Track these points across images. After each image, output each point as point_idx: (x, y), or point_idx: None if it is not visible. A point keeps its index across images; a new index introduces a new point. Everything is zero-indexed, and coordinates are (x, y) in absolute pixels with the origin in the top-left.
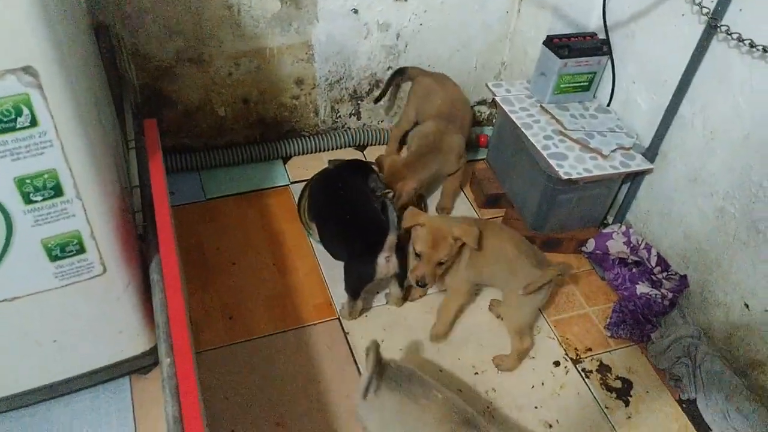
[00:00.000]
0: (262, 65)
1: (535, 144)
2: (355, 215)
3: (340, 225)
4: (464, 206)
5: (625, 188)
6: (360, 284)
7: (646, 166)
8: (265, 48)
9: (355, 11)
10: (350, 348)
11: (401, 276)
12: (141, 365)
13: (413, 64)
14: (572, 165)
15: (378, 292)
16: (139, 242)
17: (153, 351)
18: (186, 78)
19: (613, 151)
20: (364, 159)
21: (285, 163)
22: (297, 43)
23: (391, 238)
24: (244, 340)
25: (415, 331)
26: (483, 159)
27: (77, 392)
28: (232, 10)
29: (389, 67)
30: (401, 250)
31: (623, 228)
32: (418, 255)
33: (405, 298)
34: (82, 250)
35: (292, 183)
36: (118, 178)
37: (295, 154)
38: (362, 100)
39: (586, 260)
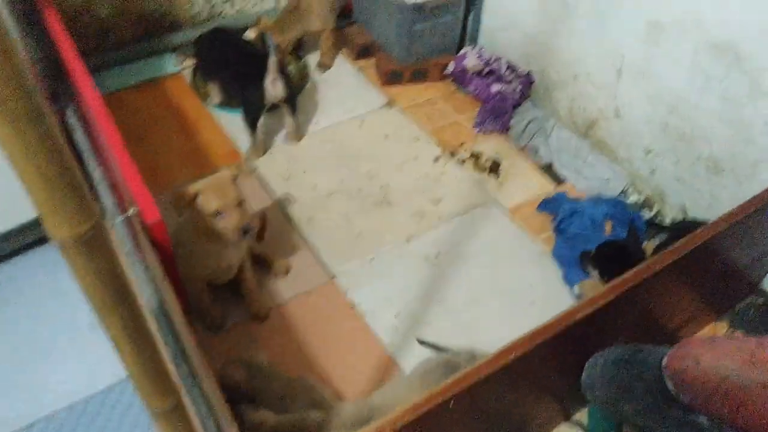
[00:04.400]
0: None
1: None
2: (238, 55)
3: (227, 68)
4: (341, 62)
5: (471, 19)
6: (255, 111)
7: None
8: None
9: None
10: (260, 181)
11: (290, 100)
12: None
13: None
14: None
15: (276, 135)
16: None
17: None
18: None
19: None
20: None
21: (173, 53)
22: None
23: (273, 59)
24: (165, 191)
25: (312, 162)
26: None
27: None
28: None
29: None
30: (285, 74)
31: (476, 49)
32: (217, 214)
33: (300, 131)
34: None
35: (182, 70)
36: None
37: (181, 46)
38: None
39: (451, 84)
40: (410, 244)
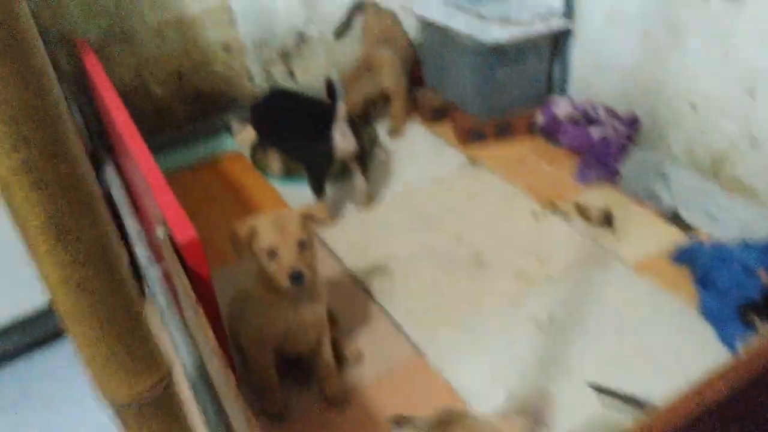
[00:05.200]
0: (187, 33)
1: (458, 27)
2: (299, 112)
3: (288, 129)
4: (413, 127)
5: (558, 65)
6: (322, 169)
7: (566, 24)
8: (186, 15)
9: None
10: (332, 252)
11: (362, 156)
12: None
13: (330, 13)
14: (496, 35)
15: (345, 206)
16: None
17: None
18: (116, 59)
19: (532, 18)
20: None
21: (231, 134)
22: (216, 5)
23: (341, 106)
24: (219, 266)
25: (388, 228)
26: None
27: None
28: None
29: (309, 19)
30: (356, 126)
31: (566, 98)
32: (271, 253)
33: (372, 196)
34: None
35: (239, 142)
36: None
37: (243, 127)
38: (292, 59)
39: (541, 141)
40: (515, 309)
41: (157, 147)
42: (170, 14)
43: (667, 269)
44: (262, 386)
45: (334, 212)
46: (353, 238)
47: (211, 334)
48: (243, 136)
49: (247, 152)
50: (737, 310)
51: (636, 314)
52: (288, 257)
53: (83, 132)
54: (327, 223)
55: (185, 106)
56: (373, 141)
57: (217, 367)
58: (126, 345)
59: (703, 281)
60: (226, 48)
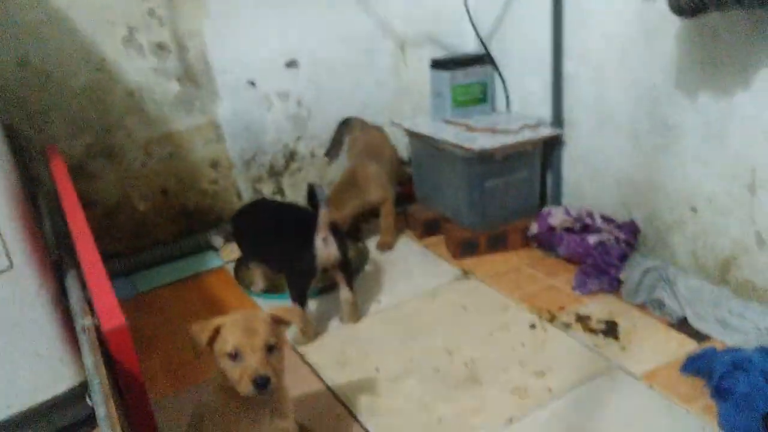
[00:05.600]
0: (174, 151)
1: (448, 139)
2: (280, 220)
3: (268, 239)
4: (405, 242)
5: (550, 174)
6: (304, 280)
7: (555, 131)
8: (173, 132)
9: (252, 83)
10: (311, 367)
11: (344, 264)
12: (73, 417)
13: (320, 129)
14: (484, 143)
15: (331, 319)
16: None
17: (83, 391)
18: (100, 174)
19: (521, 128)
20: None
21: (216, 250)
22: (204, 123)
23: (324, 213)
24: (195, 385)
25: (375, 343)
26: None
27: None
28: (134, 96)
29: (299, 137)
30: (339, 233)
31: (561, 208)
32: (233, 356)
33: (358, 310)
34: None
35: (226, 263)
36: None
37: (226, 242)
38: (282, 176)
39: (536, 252)
40: (513, 427)
41: (139, 264)
42: (157, 131)
43: (678, 380)
44: None
45: (316, 330)
46: (335, 353)
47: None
48: (228, 252)
49: (231, 271)
50: (762, 421)
51: (647, 430)
52: (253, 361)
53: (50, 241)
54: (306, 337)
55: (169, 222)
56: (363, 256)
57: None
58: None
59: (720, 391)
60: (214, 164)
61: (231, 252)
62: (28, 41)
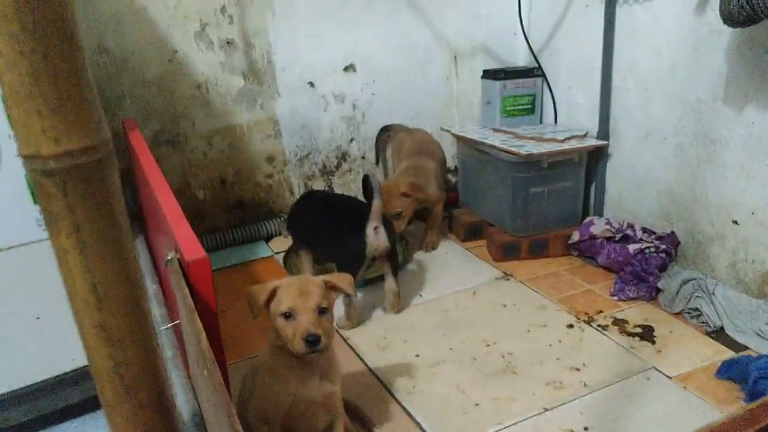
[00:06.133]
0: (234, 143)
1: (494, 144)
2: (332, 211)
3: (320, 228)
4: (448, 243)
5: (594, 186)
6: (352, 267)
7: (601, 142)
8: (235, 125)
9: (312, 84)
10: (353, 350)
11: (392, 254)
12: None
13: (372, 133)
14: (531, 149)
15: (374, 308)
16: None
17: None
18: (164, 160)
19: (568, 138)
20: None
21: (267, 242)
22: (263, 118)
23: (377, 204)
24: (240, 360)
25: (415, 331)
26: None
27: None
28: (201, 89)
29: (351, 139)
30: (388, 224)
31: (603, 219)
32: (287, 315)
33: (401, 300)
34: None
35: (276, 253)
36: None
37: (276, 235)
38: (333, 175)
39: (577, 260)
40: (548, 416)
41: None
42: (220, 122)
43: (713, 384)
44: None
45: (359, 315)
46: (377, 338)
47: (206, 344)
48: (279, 243)
49: (280, 260)
50: None
51: (681, 428)
52: (305, 320)
53: None
54: (350, 322)
55: (225, 211)
56: (408, 253)
57: (212, 400)
58: (61, 93)
59: (755, 394)
60: (270, 159)
61: (282, 243)
62: (108, 30)
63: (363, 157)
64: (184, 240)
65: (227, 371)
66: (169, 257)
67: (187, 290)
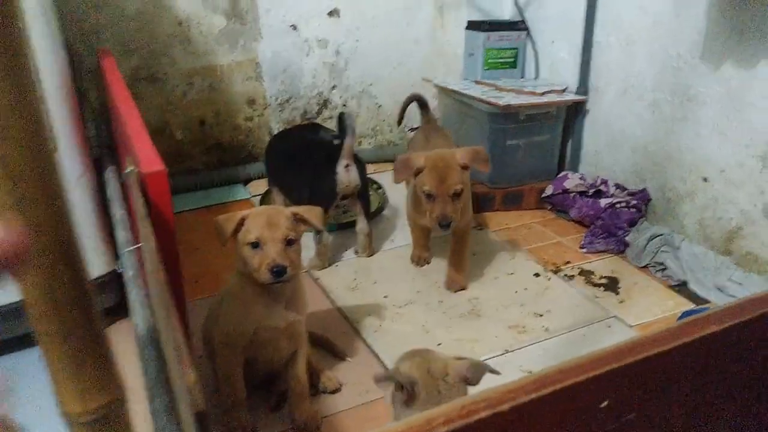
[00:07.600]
0: (214, 83)
1: (474, 95)
2: (305, 148)
3: (293, 165)
4: None
5: (570, 142)
6: (325, 204)
7: (580, 97)
8: (215, 65)
9: (294, 27)
10: (323, 290)
11: (363, 193)
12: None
13: (356, 82)
14: (510, 101)
15: (346, 250)
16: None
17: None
18: (143, 98)
19: (547, 92)
20: None
21: (245, 185)
22: (245, 60)
23: (349, 142)
24: (211, 295)
25: (385, 274)
26: None
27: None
28: (182, 26)
29: (333, 86)
30: (360, 163)
31: (577, 174)
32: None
33: (370, 241)
34: None
35: (253, 196)
36: None
37: (254, 179)
38: (313, 121)
39: (549, 213)
40: (508, 357)
41: (172, 190)
42: (200, 62)
43: None
44: (227, 401)
45: (329, 257)
46: (347, 279)
47: (161, 274)
48: (256, 186)
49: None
50: None
51: None
52: (272, 251)
53: (93, 141)
54: (321, 262)
55: (203, 153)
56: (381, 202)
57: (166, 318)
58: (81, 362)
59: None
60: (250, 102)
61: (260, 186)
62: None
63: (344, 105)
64: (142, 153)
65: (182, 278)
66: (128, 170)
67: (141, 197)
